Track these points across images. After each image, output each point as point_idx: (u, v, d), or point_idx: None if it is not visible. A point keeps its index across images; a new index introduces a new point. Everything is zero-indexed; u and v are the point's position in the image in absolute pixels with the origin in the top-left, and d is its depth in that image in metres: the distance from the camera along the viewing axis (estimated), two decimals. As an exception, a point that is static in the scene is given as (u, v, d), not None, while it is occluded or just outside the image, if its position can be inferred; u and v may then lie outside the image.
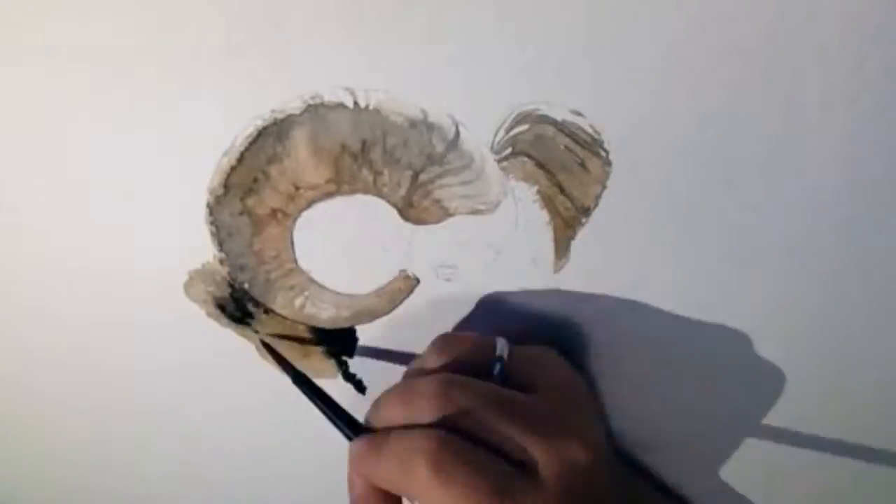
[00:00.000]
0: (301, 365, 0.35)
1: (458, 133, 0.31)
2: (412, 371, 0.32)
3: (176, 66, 0.30)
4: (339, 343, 0.36)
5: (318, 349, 0.37)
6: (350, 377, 0.37)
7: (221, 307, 0.34)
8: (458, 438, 0.27)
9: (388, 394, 0.30)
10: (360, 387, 0.37)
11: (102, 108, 0.31)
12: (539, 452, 0.28)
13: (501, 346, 0.31)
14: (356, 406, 0.33)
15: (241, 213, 0.33)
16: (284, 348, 0.37)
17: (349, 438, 0.31)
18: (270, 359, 0.35)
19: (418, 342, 0.37)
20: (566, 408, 0.30)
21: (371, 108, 0.31)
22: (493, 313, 0.35)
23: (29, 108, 0.32)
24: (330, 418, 0.32)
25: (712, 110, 0.31)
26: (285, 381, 0.37)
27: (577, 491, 0.28)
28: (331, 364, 0.37)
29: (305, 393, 0.33)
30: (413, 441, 0.27)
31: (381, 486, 0.29)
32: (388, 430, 0.29)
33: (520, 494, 0.27)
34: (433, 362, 0.31)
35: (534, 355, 0.32)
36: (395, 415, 0.29)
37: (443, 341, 0.32)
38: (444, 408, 0.28)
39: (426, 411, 0.28)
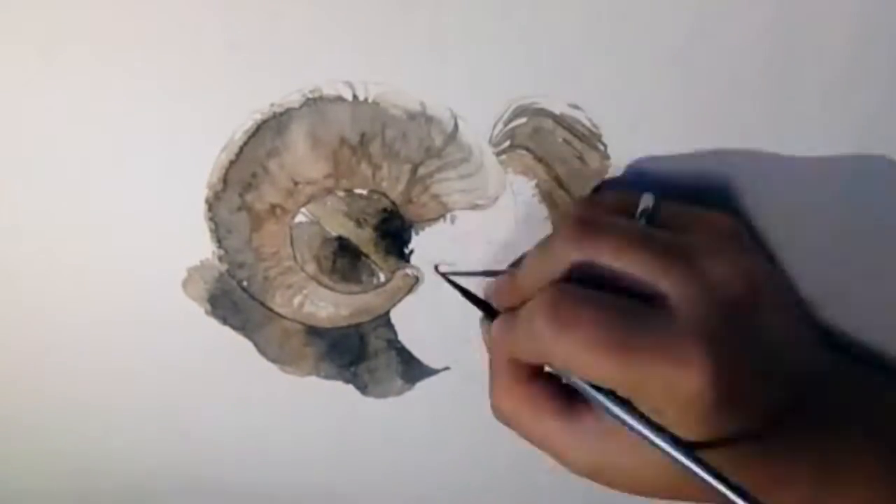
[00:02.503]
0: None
1: (456, 126, 0.31)
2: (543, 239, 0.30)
3: (174, 60, 0.30)
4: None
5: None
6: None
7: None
8: (577, 286, 0.26)
9: (522, 262, 0.29)
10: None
11: (100, 104, 0.31)
12: (671, 281, 0.25)
13: (647, 199, 0.29)
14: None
15: (239, 209, 0.33)
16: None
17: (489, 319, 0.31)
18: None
19: (418, 341, 0.37)
20: (718, 242, 0.27)
21: (370, 100, 0.31)
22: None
23: (27, 105, 0.32)
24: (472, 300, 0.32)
25: (711, 104, 0.31)
26: (285, 379, 0.37)
27: (723, 327, 0.25)
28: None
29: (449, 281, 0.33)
30: (534, 304, 0.26)
31: (521, 359, 0.28)
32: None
33: (648, 331, 0.24)
34: (574, 213, 0.30)
35: (683, 206, 0.29)
36: (530, 281, 0.28)
37: (579, 204, 0.31)
38: (578, 250, 0.26)
39: (560, 263, 0.26)
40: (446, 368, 0.37)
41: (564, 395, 0.29)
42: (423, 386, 0.38)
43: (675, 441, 0.25)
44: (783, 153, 0.32)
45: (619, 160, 0.32)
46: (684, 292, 0.25)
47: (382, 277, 0.35)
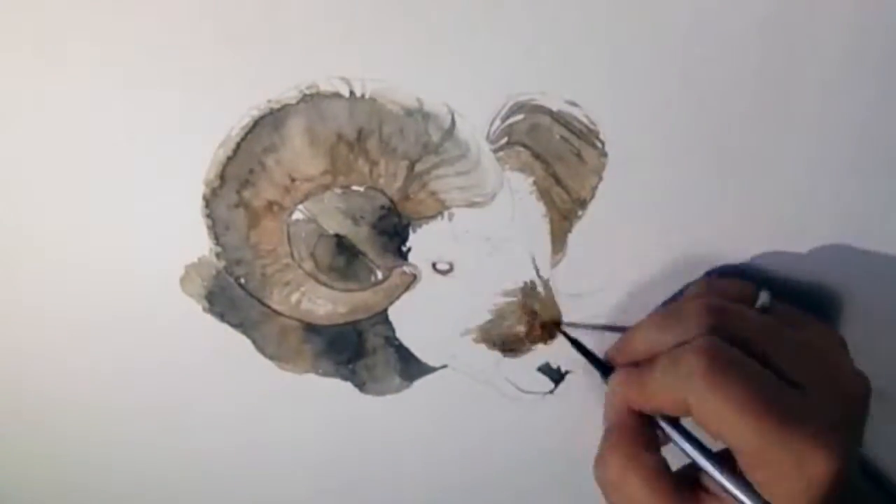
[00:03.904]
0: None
1: (453, 122, 0.31)
2: (669, 305, 0.32)
3: (171, 57, 0.30)
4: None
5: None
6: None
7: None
8: (732, 347, 0.27)
9: (642, 324, 0.31)
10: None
11: (97, 101, 0.31)
12: (809, 371, 0.27)
13: (765, 297, 0.31)
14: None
15: (237, 206, 0.33)
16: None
17: (604, 375, 0.32)
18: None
19: (416, 339, 0.37)
20: (834, 354, 0.30)
21: (367, 97, 0.31)
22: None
23: (24, 104, 0.32)
24: (587, 357, 0.33)
25: (708, 102, 0.31)
26: (283, 376, 0.37)
27: (849, 423, 0.27)
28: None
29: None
30: (686, 349, 0.27)
31: (647, 407, 0.29)
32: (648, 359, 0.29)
33: (796, 408, 0.26)
34: (695, 295, 0.31)
35: (795, 310, 0.32)
36: (655, 339, 0.30)
37: (707, 283, 0.32)
38: (714, 327, 0.28)
39: (695, 329, 0.28)
40: (444, 366, 0.37)
41: (677, 478, 0.29)
42: (421, 384, 0.38)
43: None
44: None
45: (616, 157, 0.32)
46: (821, 383, 0.27)
47: (380, 275, 0.35)
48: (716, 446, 0.29)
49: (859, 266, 0.34)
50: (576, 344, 0.34)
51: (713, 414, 0.26)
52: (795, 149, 0.32)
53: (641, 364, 0.30)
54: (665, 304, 0.34)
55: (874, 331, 0.36)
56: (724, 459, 0.28)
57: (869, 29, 0.30)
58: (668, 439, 0.30)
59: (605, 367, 0.33)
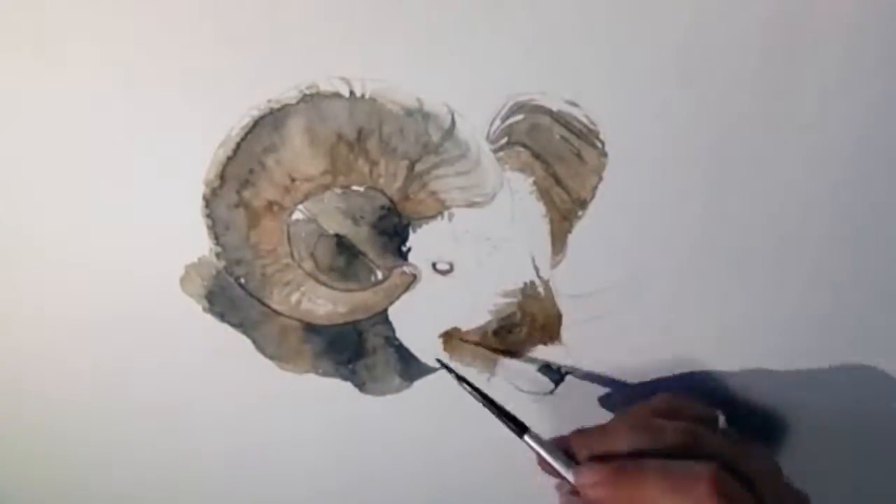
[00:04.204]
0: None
1: (453, 122, 0.31)
2: (635, 409, 0.34)
3: (172, 57, 0.31)
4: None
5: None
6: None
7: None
8: (735, 482, 0.30)
9: (619, 425, 0.33)
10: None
11: (98, 101, 0.32)
12: (774, 496, 0.31)
13: (722, 420, 0.34)
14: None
15: (237, 206, 0.33)
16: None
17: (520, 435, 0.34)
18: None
19: (416, 339, 0.37)
20: (780, 475, 0.33)
21: (367, 97, 0.31)
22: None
23: (25, 103, 0.32)
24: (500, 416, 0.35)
25: (708, 102, 0.31)
26: (283, 376, 0.37)
27: None
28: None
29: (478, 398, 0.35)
30: (701, 474, 0.29)
31: None
32: (630, 459, 0.31)
33: None
34: (660, 411, 0.34)
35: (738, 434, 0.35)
36: (633, 442, 0.32)
37: (672, 400, 0.34)
38: (693, 445, 0.31)
39: (673, 443, 0.31)
40: (444, 366, 0.37)
41: None
42: (421, 384, 0.38)
43: None
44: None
45: (616, 157, 0.32)
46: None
47: (380, 275, 0.35)
48: None
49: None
50: (486, 399, 0.35)
51: None
52: (795, 149, 0.32)
53: (629, 469, 0.31)
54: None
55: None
56: None
57: (869, 29, 0.30)
58: None
59: (522, 428, 0.34)
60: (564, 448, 0.33)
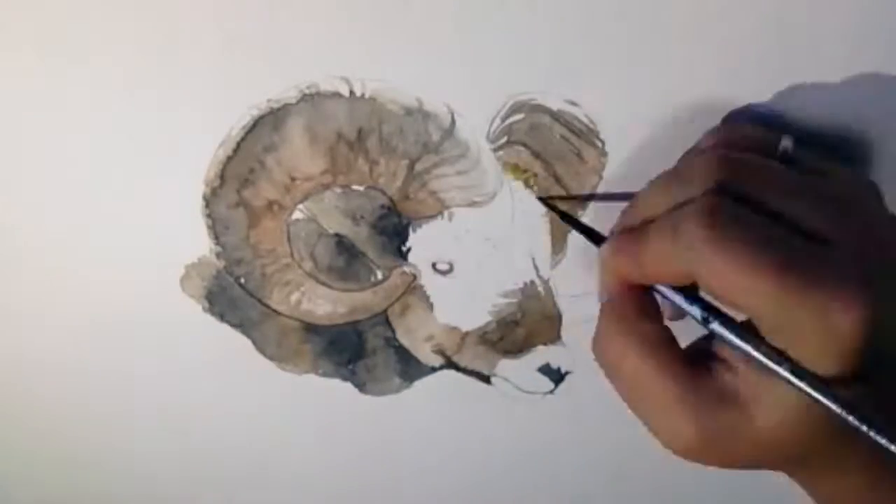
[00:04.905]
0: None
1: (453, 122, 0.31)
2: (680, 159, 0.28)
3: (171, 56, 0.31)
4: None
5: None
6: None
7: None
8: (736, 203, 0.24)
9: (648, 186, 0.27)
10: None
11: (98, 101, 0.32)
12: (832, 222, 0.24)
13: (787, 142, 0.27)
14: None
15: (237, 205, 0.33)
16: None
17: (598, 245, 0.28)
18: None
19: (416, 339, 0.37)
20: (865, 199, 0.26)
21: (367, 96, 0.31)
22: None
23: (24, 103, 0.32)
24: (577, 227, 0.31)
25: (708, 101, 0.31)
26: (283, 376, 0.37)
27: (879, 273, 0.24)
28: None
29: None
30: (685, 212, 0.24)
31: (643, 279, 0.26)
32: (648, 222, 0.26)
33: (818, 264, 0.23)
34: (708, 144, 0.28)
35: (820, 156, 0.28)
36: (657, 202, 0.26)
37: (723, 126, 0.29)
38: (723, 181, 0.24)
39: (701, 186, 0.24)
40: (444, 366, 0.37)
41: (687, 352, 0.26)
42: (421, 384, 0.38)
43: (816, 378, 0.23)
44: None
45: (616, 156, 0.32)
46: (846, 234, 0.24)
47: (380, 275, 0.35)
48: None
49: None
50: (562, 214, 0.31)
51: (723, 282, 0.23)
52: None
53: (636, 230, 0.26)
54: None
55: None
56: (741, 324, 0.25)
57: (869, 29, 0.30)
58: (672, 311, 0.27)
59: (599, 238, 0.29)
60: None
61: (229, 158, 0.32)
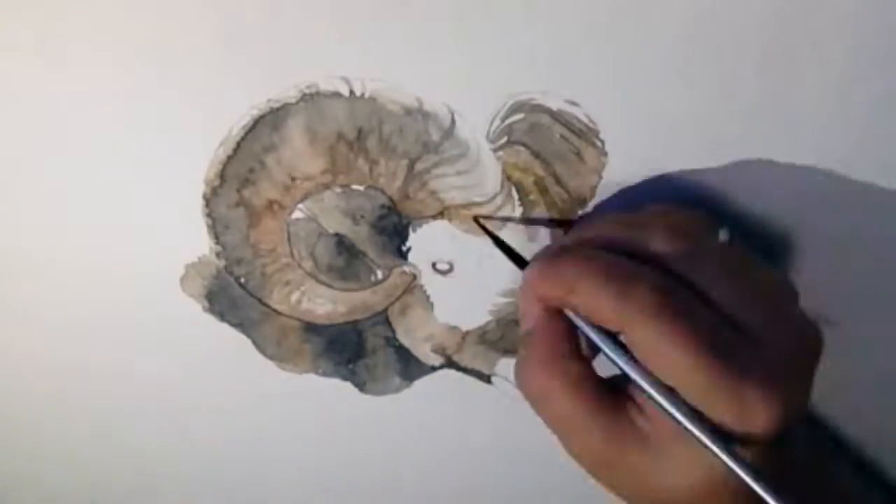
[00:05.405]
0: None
1: (453, 121, 0.31)
2: (623, 216, 0.30)
3: (171, 56, 0.31)
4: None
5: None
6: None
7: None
8: (689, 292, 0.25)
9: (595, 223, 0.29)
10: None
11: (97, 101, 0.32)
12: (762, 323, 0.26)
13: (724, 234, 0.29)
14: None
15: (237, 205, 0.33)
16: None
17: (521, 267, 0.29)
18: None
19: (416, 339, 0.37)
20: (786, 302, 0.28)
21: (367, 96, 0.31)
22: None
23: (24, 103, 0.32)
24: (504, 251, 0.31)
25: (708, 101, 0.31)
26: (283, 376, 0.37)
27: (802, 373, 0.26)
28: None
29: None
30: (641, 280, 0.25)
31: (571, 303, 0.27)
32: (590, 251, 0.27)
33: (745, 356, 0.25)
34: (661, 212, 0.29)
35: (750, 252, 0.29)
36: (612, 234, 0.28)
37: (667, 207, 0.30)
38: (674, 253, 0.26)
39: (654, 238, 0.27)
40: (444, 366, 0.37)
41: (603, 387, 0.27)
42: (421, 384, 0.38)
43: (724, 439, 0.25)
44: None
45: (616, 157, 0.32)
46: (772, 331, 0.26)
47: (380, 275, 0.35)
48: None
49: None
50: (492, 237, 0.32)
51: (656, 352, 0.25)
52: (795, 149, 0.32)
53: (559, 258, 0.27)
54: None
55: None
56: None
57: (869, 29, 0.30)
58: (587, 347, 0.28)
59: (523, 262, 0.30)
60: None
61: (229, 158, 0.32)
